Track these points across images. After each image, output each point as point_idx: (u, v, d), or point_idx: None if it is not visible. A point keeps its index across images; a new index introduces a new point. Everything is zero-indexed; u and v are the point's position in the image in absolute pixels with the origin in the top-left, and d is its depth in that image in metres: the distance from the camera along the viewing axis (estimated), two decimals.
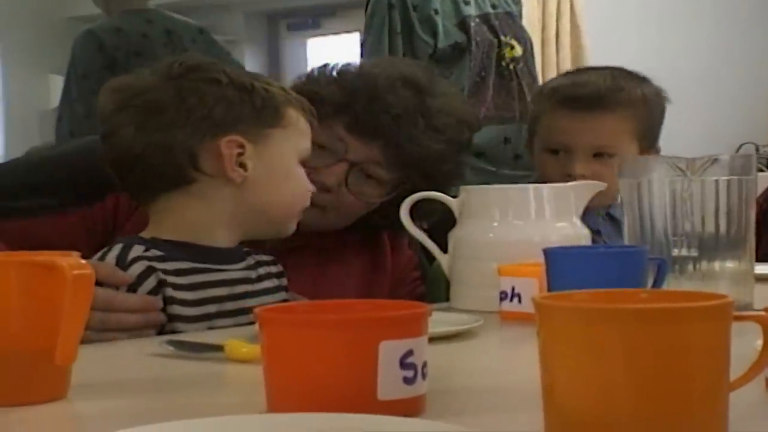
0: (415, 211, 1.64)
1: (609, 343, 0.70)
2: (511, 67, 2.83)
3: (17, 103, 6.64)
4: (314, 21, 6.91)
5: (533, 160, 2.13)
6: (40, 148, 4.43)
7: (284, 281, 1.55)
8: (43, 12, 6.82)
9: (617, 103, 2.00)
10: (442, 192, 1.66)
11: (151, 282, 1.38)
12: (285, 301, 1.52)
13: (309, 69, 1.81)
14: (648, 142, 2.04)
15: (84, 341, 1.27)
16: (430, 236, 1.67)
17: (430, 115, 1.70)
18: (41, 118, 6.08)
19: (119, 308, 1.35)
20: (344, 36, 6.56)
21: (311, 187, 1.51)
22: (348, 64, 1.78)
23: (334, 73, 1.74)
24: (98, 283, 1.32)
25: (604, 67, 2.13)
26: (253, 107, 1.44)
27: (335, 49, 6.44)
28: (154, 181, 1.44)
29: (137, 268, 1.38)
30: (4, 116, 6.76)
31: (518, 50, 2.84)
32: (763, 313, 0.78)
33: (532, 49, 2.93)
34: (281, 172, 1.47)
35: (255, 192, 1.45)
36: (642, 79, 2.08)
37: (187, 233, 1.43)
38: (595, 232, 1.99)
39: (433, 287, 1.81)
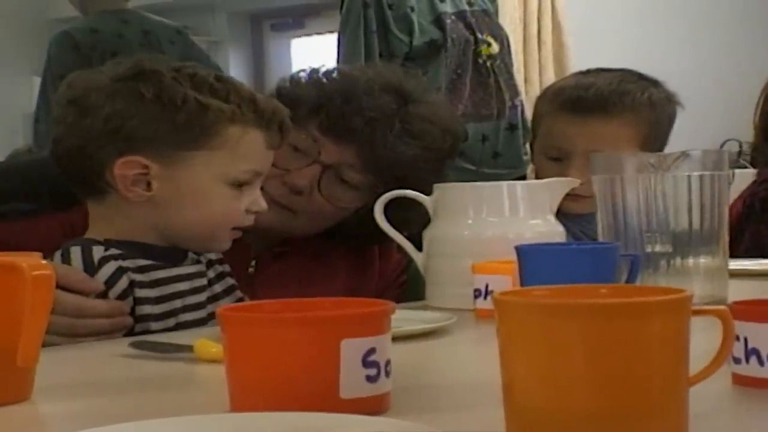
0: (393, 221, 1.63)
1: (567, 339, 0.70)
2: (488, 64, 2.82)
3: (0, 105, 6.62)
4: (298, 21, 6.90)
5: (534, 162, 2.10)
6: (22, 151, 4.42)
7: (233, 281, 1.54)
8: (25, 13, 6.79)
9: (621, 107, 1.96)
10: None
11: (123, 283, 1.38)
12: (241, 299, 1.52)
13: (295, 70, 1.80)
14: (652, 148, 1.98)
15: (52, 346, 1.27)
16: (415, 240, 1.66)
17: (409, 120, 1.68)
18: (25, 120, 6.05)
19: (89, 314, 1.34)
20: (328, 36, 6.54)
21: (240, 208, 1.43)
22: (334, 68, 1.78)
23: (317, 76, 1.74)
24: (68, 289, 1.33)
25: (616, 69, 2.08)
26: (174, 127, 1.37)
27: (319, 49, 6.43)
28: (74, 185, 1.44)
29: (108, 270, 1.37)
30: None
31: (495, 47, 2.84)
32: (722, 307, 0.77)
33: (509, 46, 2.93)
34: (195, 196, 1.40)
35: (165, 211, 1.41)
36: (652, 83, 2.03)
37: (126, 236, 1.42)
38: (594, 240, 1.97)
39: (412, 286, 1.80)
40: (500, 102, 2.79)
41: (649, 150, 1.97)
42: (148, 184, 1.39)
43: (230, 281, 1.52)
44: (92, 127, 1.38)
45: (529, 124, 2.83)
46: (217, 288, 1.50)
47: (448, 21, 2.80)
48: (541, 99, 2.15)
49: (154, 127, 1.37)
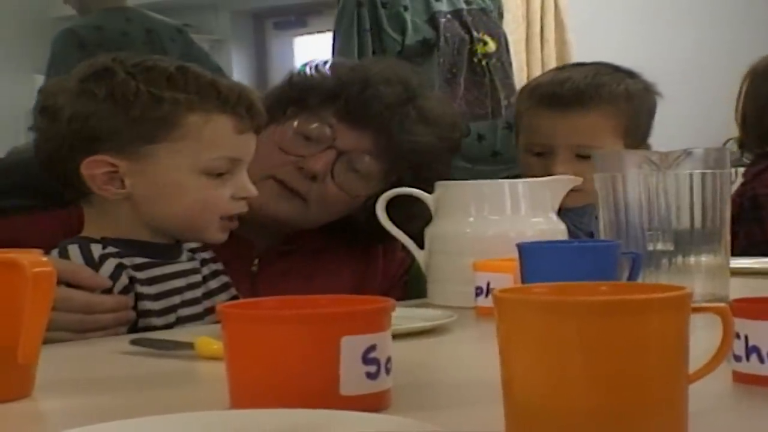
0: (396, 218, 1.63)
1: (566, 336, 0.70)
2: (484, 63, 2.80)
3: (2, 104, 6.62)
4: (300, 19, 6.90)
5: (519, 160, 2.10)
6: (22, 148, 4.42)
7: (227, 278, 1.53)
8: (27, 12, 6.79)
9: (597, 100, 1.95)
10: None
11: (123, 280, 1.39)
12: (235, 297, 1.52)
13: (304, 62, 1.81)
14: (634, 139, 1.99)
15: (53, 343, 1.28)
16: (417, 238, 1.66)
17: (422, 109, 1.70)
18: (26, 118, 6.06)
19: (98, 310, 1.35)
20: (330, 34, 6.54)
21: (224, 196, 1.42)
22: (343, 61, 1.78)
23: (329, 66, 1.74)
24: (76, 285, 1.34)
25: (591, 63, 2.08)
26: (130, 122, 1.36)
27: (322, 47, 6.42)
28: (62, 189, 1.44)
29: (108, 267, 1.38)
30: None
31: (491, 46, 2.82)
32: (722, 304, 0.77)
33: (506, 44, 2.91)
34: (169, 189, 1.39)
35: (145, 207, 1.40)
36: (628, 74, 2.03)
37: (120, 234, 1.42)
38: (588, 234, 1.97)
39: (414, 283, 1.80)
40: (495, 101, 2.77)
41: (632, 140, 1.98)
42: (122, 181, 1.39)
43: (224, 279, 1.52)
44: (59, 130, 1.39)
45: None
46: (213, 284, 1.50)
47: (443, 20, 2.79)
48: (519, 97, 2.16)
49: (112, 125, 1.37)
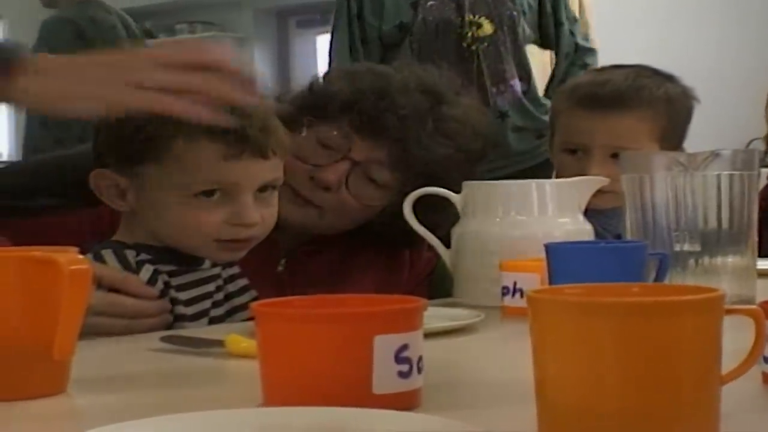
0: (421, 222, 1.63)
1: (599, 337, 0.71)
2: (474, 48, 2.69)
3: None
4: (324, 17, 6.91)
5: (553, 159, 2.11)
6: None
7: (245, 281, 1.54)
8: (48, 12, 6.83)
9: (637, 102, 1.95)
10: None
11: (159, 286, 1.41)
12: (256, 298, 1.51)
13: (329, 68, 1.80)
14: (671, 143, 1.98)
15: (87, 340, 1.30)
16: (442, 239, 1.66)
17: (442, 120, 1.68)
18: None
19: (144, 315, 1.39)
20: None
21: (215, 220, 1.39)
22: (367, 67, 1.77)
23: (350, 73, 1.74)
24: (119, 291, 1.38)
25: (630, 65, 2.08)
26: (123, 140, 1.38)
27: None
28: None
29: (146, 273, 1.40)
30: (13, 116, 6.76)
31: (487, 29, 2.69)
32: (754, 306, 0.78)
33: (513, 26, 2.75)
34: (158, 209, 1.40)
35: (147, 221, 1.42)
36: (667, 78, 2.03)
37: (149, 240, 1.44)
38: (616, 236, 1.97)
39: (439, 283, 1.81)
40: (481, 90, 2.62)
41: (668, 144, 1.98)
42: (124, 195, 1.41)
43: (241, 282, 1.53)
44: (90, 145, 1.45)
45: (533, 111, 2.77)
46: (230, 288, 1.51)
47: (430, 3, 2.70)
48: (557, 96, 2.16)
49: (111, 141, 1.41)
